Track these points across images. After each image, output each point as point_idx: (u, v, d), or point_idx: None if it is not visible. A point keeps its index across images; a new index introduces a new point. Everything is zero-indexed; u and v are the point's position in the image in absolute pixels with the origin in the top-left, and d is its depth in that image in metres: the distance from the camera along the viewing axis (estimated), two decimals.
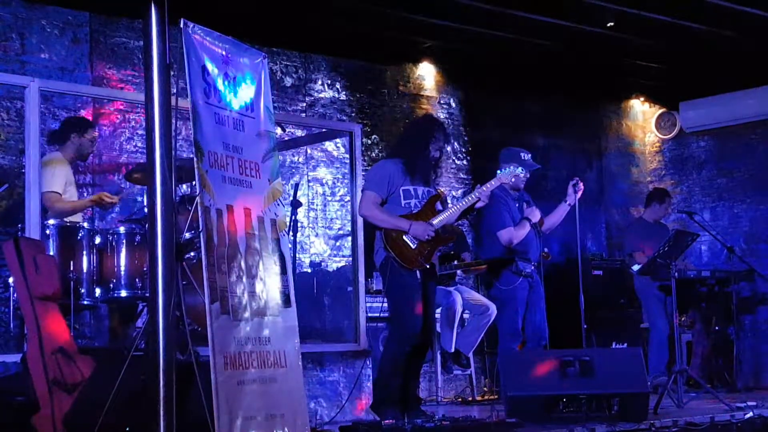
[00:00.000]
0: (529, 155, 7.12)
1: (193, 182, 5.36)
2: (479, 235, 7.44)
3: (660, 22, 8.33)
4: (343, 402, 6.40)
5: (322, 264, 8.57)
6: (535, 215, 7.02)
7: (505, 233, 6.95)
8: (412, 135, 6.21)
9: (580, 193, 6.98)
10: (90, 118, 7.22)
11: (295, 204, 7.73)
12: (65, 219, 6.27)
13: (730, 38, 8.76)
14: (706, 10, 8.12)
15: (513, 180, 6.41)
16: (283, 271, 5.11)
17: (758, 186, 10.29)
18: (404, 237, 5.88)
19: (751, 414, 6.40)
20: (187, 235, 5.41)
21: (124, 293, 6.16)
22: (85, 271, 6.06)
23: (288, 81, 8.62)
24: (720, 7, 8.00)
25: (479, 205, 6.12)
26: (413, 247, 5.88)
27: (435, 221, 5.93)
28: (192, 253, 5.81)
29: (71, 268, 5.91)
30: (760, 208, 10.26)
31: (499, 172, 6.23)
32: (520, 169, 6.40)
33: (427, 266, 5.94)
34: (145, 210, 5.86)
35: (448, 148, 9.54)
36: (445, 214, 5.99)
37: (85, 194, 7.15)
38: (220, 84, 4.90)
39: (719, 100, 10.25)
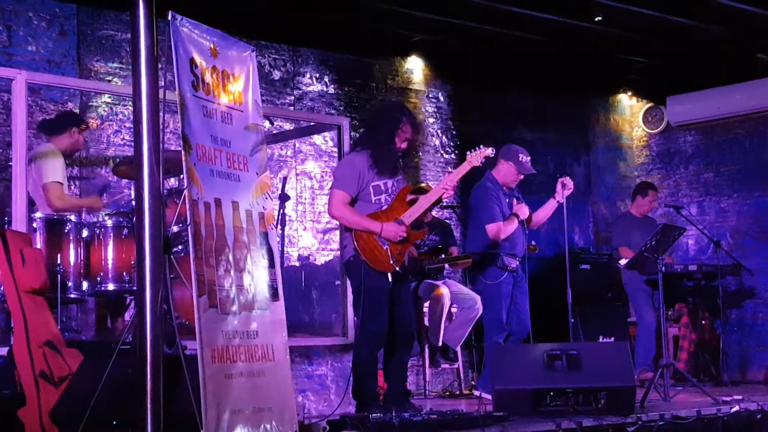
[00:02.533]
0: (528, 158, 7.08)
1: (181, 175, 5.34)
2: (467, 227, 7.44)
3: (647, 17, 8.35)
4: (331, 395, 6.40)
5: (310, 258, 8.57)
6: (524, 212, 7.03)
7: (494, 227, 6.95)
8: (378, 125, 6.00)
9: (568, 192, 6.98)
10: (77, 111, 7.21)
11: (284, 197, 7.72)
12: (53, 212, 6.24)
13: (717, 33, 8.78)
14: (693, 4, 8.14)
15: (482, 162, 6.12)
16: (271, 264, 5.10)
17: (745, 180, 10.33)
18: (375, 238, 5.80)
19: (737, 408, 6.42)
20: (175, 228, 5.41)
21: (111, 286, 6.14)
22: (72, 264, 6.04)
23: (276, 74, 8.61)
24: (707, 2, 8.02)
25: (447, 195, 5.98)
26: (384, 248, 5.80)
27: (406, 218, 5.84)
28: (180, 247, 5.79)
29: (58, 261, 5.89)
30: (747, 203, 10.30)
31: (468, 154, 6.02)
32: (490, 150, 6.09)
33: (398, 269, 5.84)
34: (133, 203, 5.85)
35: (436, 142, 9.56)
36: (415, 208, 5.87)
37: (72, 187, 7.13)
38: (208, 77, 4.89)
39: (706, 95, 10.27)
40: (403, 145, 5.92)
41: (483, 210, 7.01)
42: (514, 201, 7.13)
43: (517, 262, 7.05)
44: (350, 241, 5.87)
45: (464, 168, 6.03)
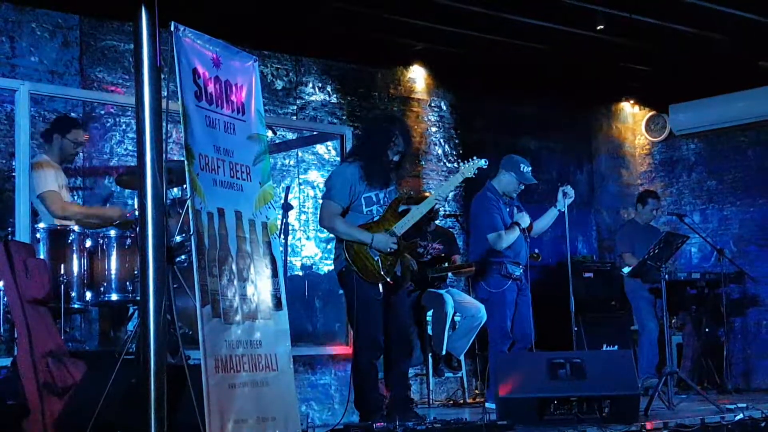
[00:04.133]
0: (529, 168, 7.08)
1: (184, 185, 5.35)
2: (468, 236, 7.43)
3: (649, 25, 8.36)
4: (334, 405, 6.39)
5: (314, 267, 8.57)
6: (525, 220, 7.03)
7: (495, 236, 6.95)
8: (371, 137, 6.05)
9: (570, 200, 6.98)
10: (75, 117, 7.19)
11: (286, 207, 7.72)
12: (56, 222, 6.25)
13: (719, 41, 8.79)
14: (695, 13, 8.15)
15: (475, 174, 6.07)
16: (275, 274, 5.11)
17: (748, 188, 10.32)
18: (366, 249, 5.78)
19: (741, 415, 6.41)
20: (178, 238, 5.41)
21: (114, 296, 6.14)
22: (75, 274, 6.04)
23: (279, 84, 8.62)
24: (709, 10, 8.03)
25: (438, 206, 6.01)
26: (375, 259, 5.78)
27: (397, 229, 5.82)
28: (183, 257, 5.80)
29: (62, 272, 5.88)
30: (750, 211, 10.29)
31: (462, 166, 6.01)
32: (483, 161, 6.06)
33: (389, 280, 5.80)
34: (136, 213, 5.85)
35: (439, 150, 9.56)
36: (407, 219, 5.84)
37: (76, 198, 7.13)
38: (210, 87, 4.90)
39: (709, 103, 10.27)
40: (396, 158, 5.92)
41: (484, 219, 7.01)
42: (515, 210, 7.13)
43: (521, 271, 7.05)
44: (341, 251, 5.87)
45: (456, 179, 6.02)
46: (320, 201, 8.59)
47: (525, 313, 7.03)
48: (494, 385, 6.36)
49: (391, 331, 5.92)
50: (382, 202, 5.91)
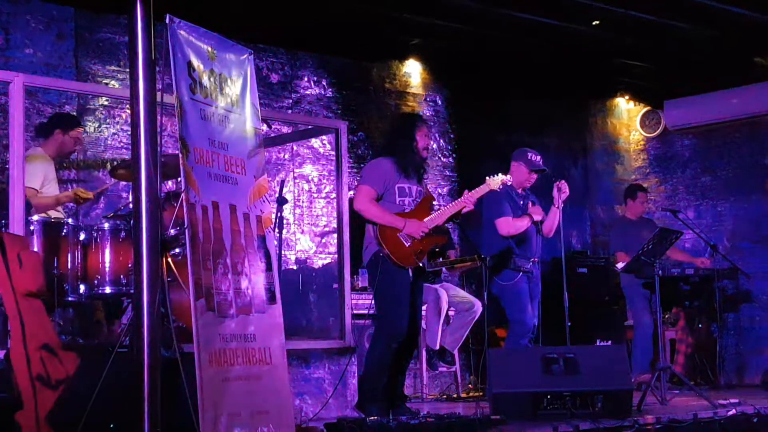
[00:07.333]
0: (539, 157, 7.13)
1: (179, 178, 5.34)
2: (481, 228, 7.40)
3: (645, 21, 8.36)
4: (328, 399, 6.39)
5: (308, 261, 8.57)
6: (538, 213, 7.04)
7: (503, 222, 6.95)
8: (395, 131, 6.30)
9: (565, 196, 6.99)
10: (74, 114, 7.19)
11: (281, 201, 7.73)
12: (50, 215, 6.24)
13: (714, 37, 8.80)
14: (690, 9, 8.15)
15: (501, 188, 6.36)
16: (269, 268, 5.11)
17: (742, 184, 10.34)
18: (398, 235, 5.95)
19: (734, 411, 6.43)
20: (173, 231, 5.40)
21: (108, 290, 6.11)
22: (69, 267, 6.01)
23: (274, 78, 8.61)
24: (705, 6, 8.04)
25: (465, 210, 6.16)
26: (407, 245, 5.96)
27: (428, 221, 6.02)
28: (177, 250, 5.79)
29: (55, 265, 5.87)
30: (744, 207, 10.31)
31: (488, 178, 6.25)
32: (508, 176, 6.40)
33: (420, 264, 6.02)
34: (130, 206, 5.84)
35: (434, 145, 9.56)
36: (436, 216, 6.08)
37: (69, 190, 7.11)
38: (205, 80, 4.89)
39: (704, 99, 10.29)
40: (424, 153, 6.16)
41: (493, 206, 6.99)
42: (530, 204, 7.13)
43: (530, 264, 7.03)
44: (372, 237, 6.01)
45: (483, 189, 6.23)
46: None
47: (534, 306, 6.98)
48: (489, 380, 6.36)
49: (410, 325, 6.01)
50: (414, 196, 6.11)
